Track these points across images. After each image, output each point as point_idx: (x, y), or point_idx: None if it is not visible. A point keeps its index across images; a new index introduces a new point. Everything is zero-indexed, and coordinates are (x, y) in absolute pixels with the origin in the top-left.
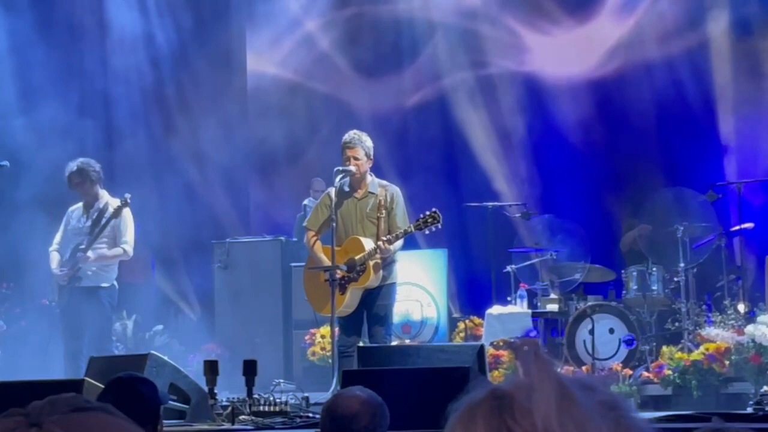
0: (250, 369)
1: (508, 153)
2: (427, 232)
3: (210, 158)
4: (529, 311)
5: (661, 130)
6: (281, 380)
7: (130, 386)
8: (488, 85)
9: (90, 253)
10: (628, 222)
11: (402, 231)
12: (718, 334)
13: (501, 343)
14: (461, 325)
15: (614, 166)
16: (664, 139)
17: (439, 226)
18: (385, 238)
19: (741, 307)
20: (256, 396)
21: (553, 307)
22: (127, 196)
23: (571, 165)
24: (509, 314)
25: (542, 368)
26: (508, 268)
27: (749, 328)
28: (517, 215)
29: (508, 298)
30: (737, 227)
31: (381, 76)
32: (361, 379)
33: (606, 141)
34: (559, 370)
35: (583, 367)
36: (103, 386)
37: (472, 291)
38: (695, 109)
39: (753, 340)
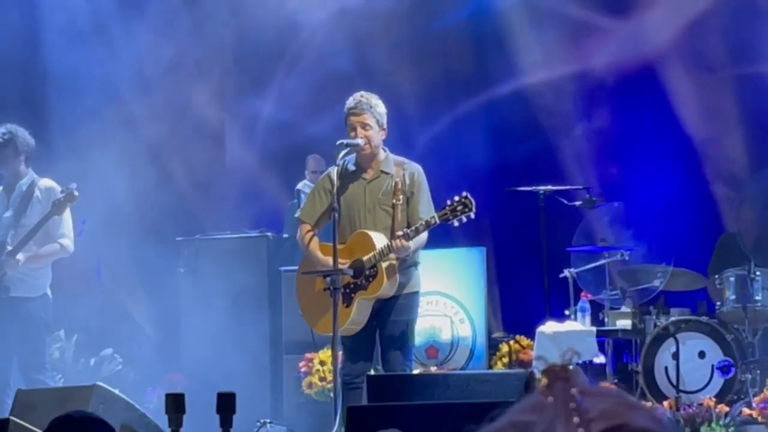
0: (226, 405)
1: (567, 122)
2: (456, 223)
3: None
4: (594, 329)
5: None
6: (268, 420)
7: (80, 429)
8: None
9: (20, 256)
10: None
11: (424, 223)
12: None
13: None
14: (504, 348)
15: (708, 134)
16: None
17: (472, 215)
18: (401, 233)
19: None
20: None
21: (625, 323)
22: (73, 186)
23: (650, 136)
24: (567, 333)
25: (568, 427)
26: (566, 273)
27: None
28: (578, 203)
29: (566, 312)
30: None
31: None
32: (372, 417)
33: (696, 98)
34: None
35: (665, 402)
36: (34, 429)
37: (519, 302)
38: None
39: None
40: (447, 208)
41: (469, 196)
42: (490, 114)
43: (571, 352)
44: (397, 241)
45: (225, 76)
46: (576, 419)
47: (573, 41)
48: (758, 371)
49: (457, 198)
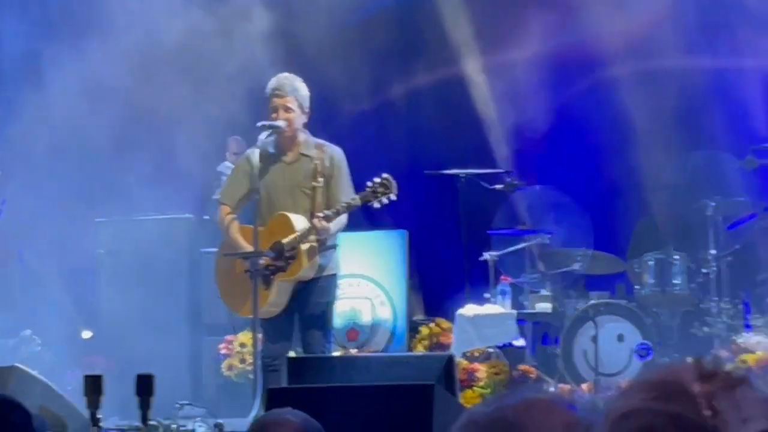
0: (144, 387)
1: (489, 106)
2: (377, 205)
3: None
4: (514, 312)
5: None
6: (187, 402)
7: None
8: None
9: None
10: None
11: (345, 205)
12: (760, 342)
13: (476, 354)
14: (424, 330)
15: (628, 121)
16: (691, 89)
17: (393, 197)
18: (321, 214)
19: None
20: (153, 422)
21: (545, 306)
22: None
23: (571, 120)
24: (487, 316)
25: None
26: (486, 256)
27: None
28: (499, 186)
29: (486, 295)
30: None
31: None
32: (291, 399)
33: (616, 89)
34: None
35: (584, 385)
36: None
37: (439, 285)
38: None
39: None
40: (368, 189)
41: (389, 178)
42: (413, 98)
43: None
44: (317, 222)
45: None
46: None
47: (499, 27)
48: (676, 354)
49: (377, 180)
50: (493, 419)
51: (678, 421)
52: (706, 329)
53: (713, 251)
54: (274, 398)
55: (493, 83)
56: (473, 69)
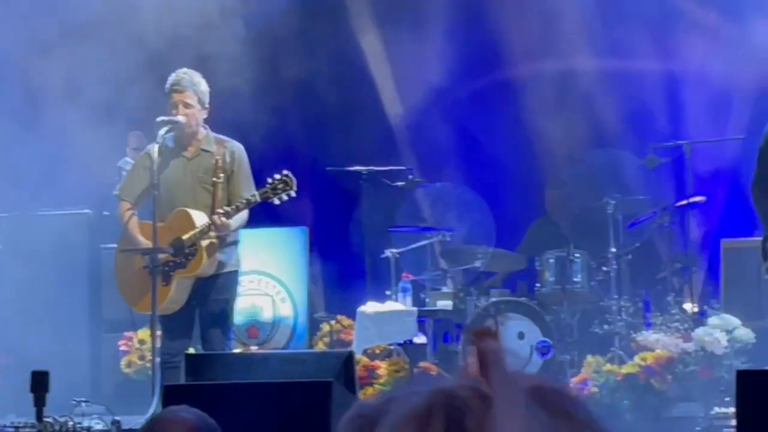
0: (39, 384)
1: (391, 102)
2: (277, 201)
3: None
4: (415, 309)
5: (590, 75)
6: (84, 399)
7: None
8: None
9: None
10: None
11: (245, 201)
12: (659, 341)
13: (377, 351)
14: (325, 327)
15: (528, 120)
16: (593, 85)
17: (293, 193)
18: (221, 211)
19: (688, 306)
20: (48, 420)
21: (445, 303)
22: None
23: (474, 117)
24: (388, 313)
25: (506, 383)
26: (387, 253)
27: (698, 333)
28: (401, 183)
29: (387, 293)
30: (685, 201)
31: None
32: (189, 396)
33: (518, 87)
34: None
35: None
36: None
37: (341, 282)
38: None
39: (703, 349)
40: (268, 186)
41: (290, 174)
42: (315, 94)
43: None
44: (217, 219)
45: None
46: (510, 372)
47: (404, 21)
48: (576, 352)
49: (278, 176)
50: (381, 412)
51: (451, 401)
52: (606, 327)
53: (613, 249)
54: (171, 395)
55: (397, 80)
56: (376, 65)
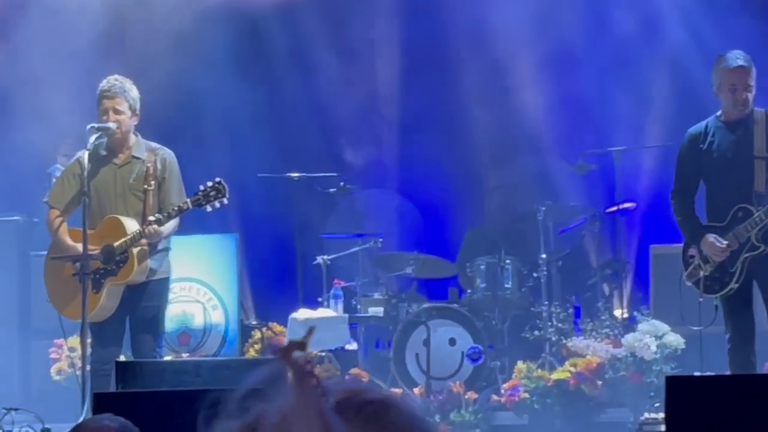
0: None
1: (320, 108)
2: (209, 209)
3: None
4: (346, 316)
5: (520, 82)
6: (14, 407)
7: None
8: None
9: None
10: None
11: (176, 208)
12: (589, 346)
13: (313, 357)
14: (257, 334)
15: (459, 127)
16: (523, 93)
17: (225, 201)
18: (153, 218)
19: (618, 312)
20: None
21: (377, 310)
22: None
23: (403, 123)
24: (320, 319)
25: (305, 396)
26: (319, 260)
27: (628, 339)
28: (332, 190)
29: (319, 299)
30: (614, 208)
31: None
32: (119, 403)
33: (447, 94)
34: (325, 397)
35: (416, 389)
36: None
37: (272, 289)
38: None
39: (633, 354)
40: (200, 193)
41: (222, 181)
42: (248, 99)
43: (311, 329)
44: (150, 227)
45: None
46: (314, 380)
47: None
48: (507, 358)
49: (210, 183)
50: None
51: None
52: (536, 333)
53: (544, 255)
54: (100, 403)
55: (331, 84)
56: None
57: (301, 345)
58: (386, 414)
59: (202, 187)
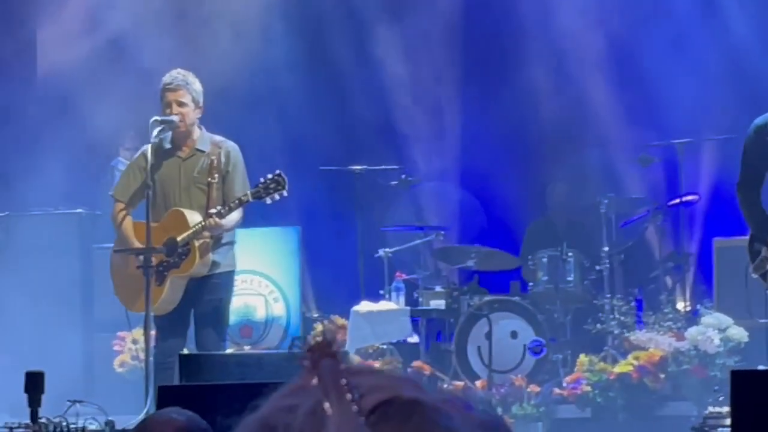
0: (34, 384)
1: (381, 101)
2: (269, 201)
3: None
4: (408, 308)
5: (581, 73)
6: (78, 399)
7: None
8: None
9: None
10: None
11: (237, 201)
12: (652, 340)
13: (370, 350)
14: (319, 327)
15: (521, 118)
16: (585, 85)
17: (285, 193)
18: (215, 211)
19: (681, 305)
20: (42, 420)
21: (438, 303)
22: None
23: (465, 114)
24: (381, 313)
25: (341, 404)
26: (381, 252)
27: (691, 332)
28: (394, 183)
29: (381, 292)
30: (677, 200)
31: None
32: (183, 396)
33: (509, 87)
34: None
35: (477, 382)
36: None
37: (334, 282)
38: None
39: (696, 348)
40: (260, 185)
41: (281, 174)
42: (310, 92)
43: (332, 326)
44: (211, 219)
45: None
46: (348, 395)
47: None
48: (569, 351)
49: (270, 176)
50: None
51: (290, 412)
52: (599, 326)
53: (606, 248)
54: (164, 396)
55: (392, 76)
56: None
57: (331, 351)
58: (435, 420)
59: (262, 180)
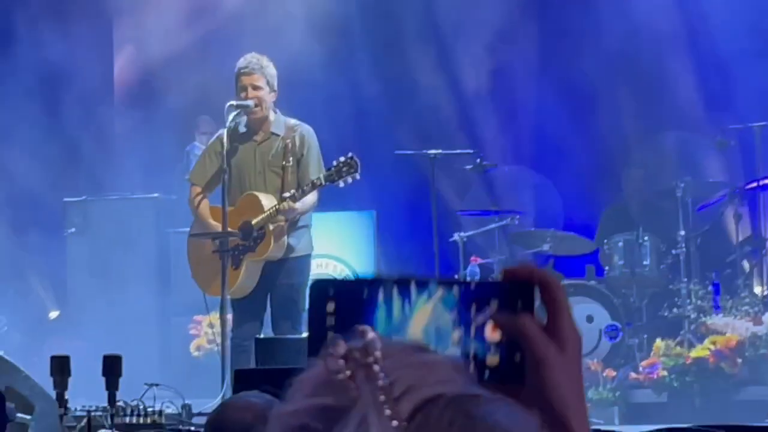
0: (112, 367)
1: (457, 85)
2: (342, 184)
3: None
4: None
5: (657, 56)
6: (155, 382)
7: None
8: None
9: None
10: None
11: (310, 184)
12: (728, 324)
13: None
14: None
15: (596, 102)
16: (660, 67)
17: (357, 176)
18: (288, 194)
19: (758, 289)
20: (120, 403)
21: None
22: None
23: (540, 98)
24: None
25: (380, 420)
26: (456, 237)
27: None
28: (469, 167)
29: (456, 276)
30: (754, 184)
31: None
32: (258, 381)
33: (584, 70)
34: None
35: None
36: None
37: (409, 266)
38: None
39: None
40: (333, 168)
41: (354, 156)
42: (383, 75)
43: (368, 332)
44: (284, 203)
45: None
46: (387, 411)
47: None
48: (645, 336)
49: (342, 159)
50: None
51: (327, 413)
52: (675, 311)
53: (683, 232)
54: (241, 379)
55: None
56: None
57: (367, 362)
58: (484, 418)
59: (334, 163)
